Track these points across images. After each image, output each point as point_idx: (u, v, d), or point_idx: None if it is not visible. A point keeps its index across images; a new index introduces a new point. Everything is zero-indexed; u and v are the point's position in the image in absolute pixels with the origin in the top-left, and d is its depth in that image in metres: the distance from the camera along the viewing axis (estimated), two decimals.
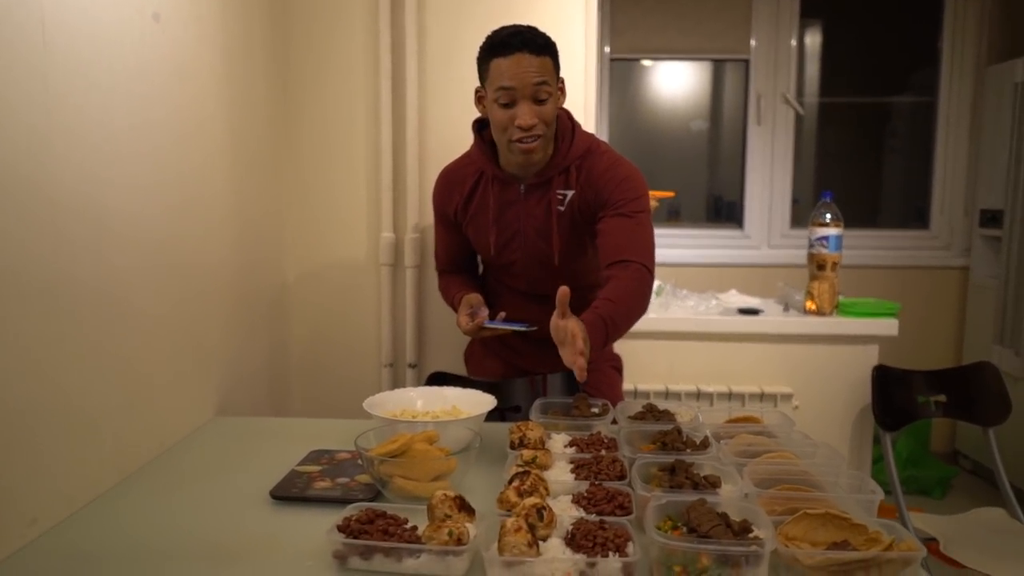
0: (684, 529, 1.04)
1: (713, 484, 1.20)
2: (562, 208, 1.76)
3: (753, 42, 3.96)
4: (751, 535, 1.01)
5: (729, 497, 1.15)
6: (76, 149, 1.26)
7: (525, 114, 1.65)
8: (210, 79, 1.79)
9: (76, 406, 1.26)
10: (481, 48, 1.69)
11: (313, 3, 2.30)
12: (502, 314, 1.78)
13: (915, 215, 4.12)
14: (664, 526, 1.05)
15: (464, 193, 1.85)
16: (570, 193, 1.76)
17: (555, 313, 1.43)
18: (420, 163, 2.32)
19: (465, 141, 1.92)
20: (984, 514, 2.20)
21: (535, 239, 1.80)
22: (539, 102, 1.66)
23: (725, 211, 4.19)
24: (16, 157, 1.11)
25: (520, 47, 1.63)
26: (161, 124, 1.55)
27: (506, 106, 1.66)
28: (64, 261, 1.23)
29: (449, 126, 2.28)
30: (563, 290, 1.41)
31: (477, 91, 1.75)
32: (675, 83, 4.26)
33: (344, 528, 1.07)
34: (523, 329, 1.74)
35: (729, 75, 4.16)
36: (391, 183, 2.32)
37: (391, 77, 2.29)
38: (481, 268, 2.05)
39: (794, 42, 3.93)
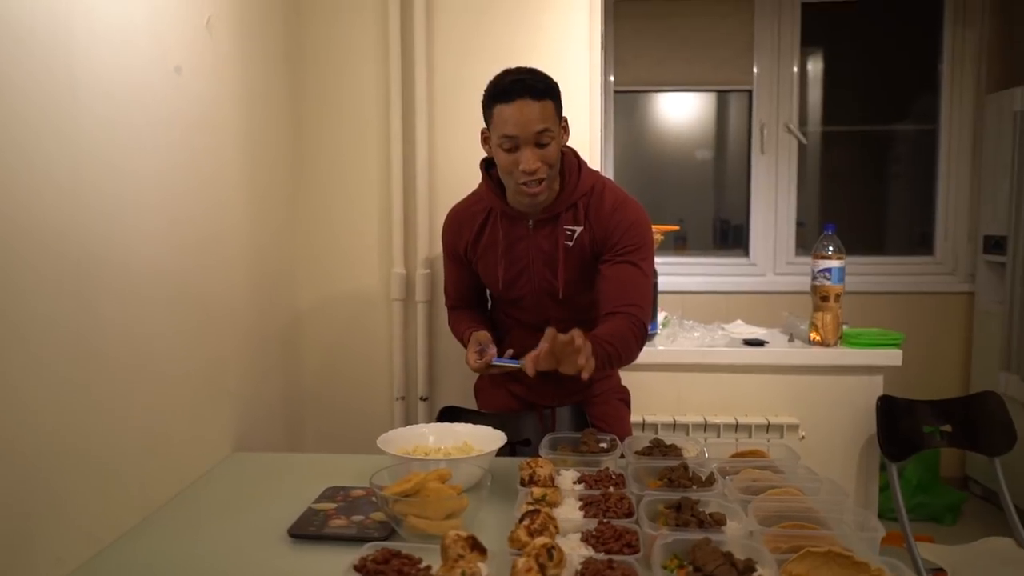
0: (690, 568, 1.07)
1: (718, 522, 1.22)
2: (570, 243, 1.82)
3: (756, 69, 4.02)
4: (755, 574, 1.04)
5: (734, 535, 1.18)
6: (103, 202, 1.31)
7: (528, 159, 1.70)
8: (228, 127, 1.85)
9: (100, 447, 1.31)
10: (485, 93, 1.75)
11: (327, 49, 2.37)
12: (510, 351, 1.82)
13: (920, 240, 4.15)
14: (670, 565, 1.08)
15: (474, 230, 1.91)
16: (578, 229, 1.82)
17: (548, 338, 1.49)
18: (430, 201, 2.38)
19: (473, 180, 1.97)
20: (992, 543, 2.21)
21: (543, 272, 1.85)
22: (541, 146, 1.71)
23: (732, 235, 4.23)
24: (46, 212, 1.17)
25: (521, 94, 1.68)
26: (181, 173, 1.60)
27: (510, 151, 1.72)
28: (92, 307, 1.27)
29: (457, 166, 2.33)
30: (551, 329, 1.50)
31: (483, 132, 1.81)
32: (680, 113, 4.32)
33: (360, 568, 1.09)
34: None
35: (733, 105, 4.22)
36: (402, 221, 2.38)
37: (401, 119, 2.35)
38: (490, 303, 2.09)
39: (796, 68, 3.99)
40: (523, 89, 1.68)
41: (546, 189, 1.76)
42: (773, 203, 4.03)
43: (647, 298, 1.81)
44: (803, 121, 4.08)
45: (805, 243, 4.00)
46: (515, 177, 1.73)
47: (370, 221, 2.42)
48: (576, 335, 1.49)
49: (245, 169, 1.95)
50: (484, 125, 1.81)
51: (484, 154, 1.92)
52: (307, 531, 1.34)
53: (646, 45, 4.06)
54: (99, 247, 1.30)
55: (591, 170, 1.88)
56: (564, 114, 1.79)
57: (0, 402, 1.06)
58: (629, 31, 4.03)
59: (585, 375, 1.50)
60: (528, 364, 1.52)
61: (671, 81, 4.14)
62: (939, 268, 4.03)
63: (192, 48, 1.65)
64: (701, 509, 1.25)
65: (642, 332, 1.77)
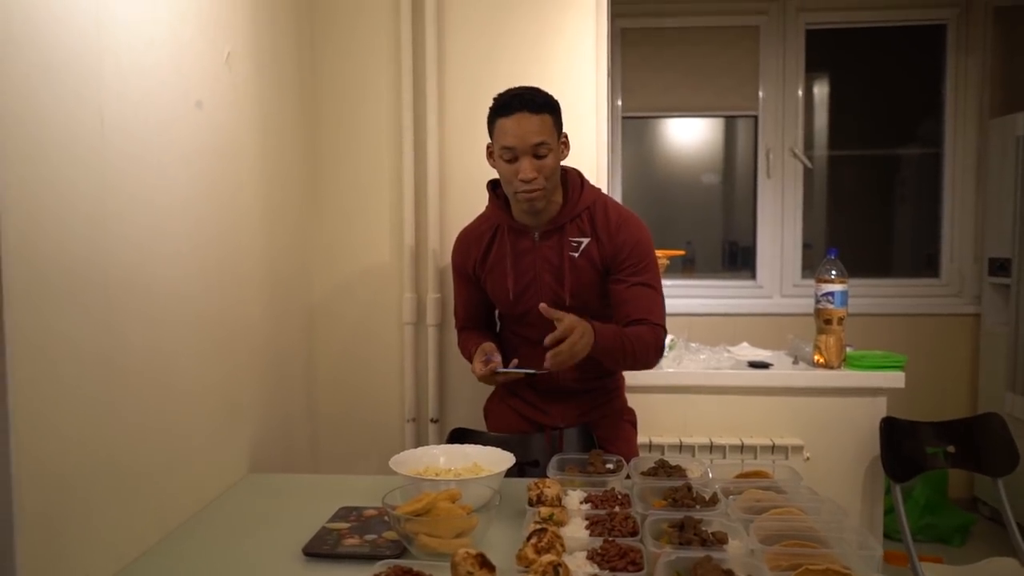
0: None
1: (720, 540, 1.26)
2: (576, 254, 1.89)
3: (761, 95, 4.07)
4: None
5: (735, 554, 1.22)
6: (127, 230, 1.37)
7: (526, 169, 1.80)
8: (246, 156, 1.91)
9: (124, 467, 1.36)
10: (489, 108, 1.86)
11: (340, 77, 2.44)
12: (515, 361, 1.88)
13: (926, 263, 4.18)
14: None
15: (482, 248, 1.98)
16: (585, 241, 1.89)
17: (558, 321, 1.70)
18: (441, 226, 2.44)
19: (480, 205, 2.03)
20: (996, 564, 2.22)
21: (551, 283, 1.91)
22: (539, 157, 1.80)
23: (741, 256, 4.27)
24: (74, 240, 1.23)
25: (520, 107, 1.79)
26: (202, 201, 1.67)
27: (509, 162, 1.81)
28: (116, 330, 1.33)
29: (468, 192, 2.38)
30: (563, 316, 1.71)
31: (488, 147, 1.90)
32: (687, 138, 4.38)
33: None
34: (534, 372, 1.83)
35: (740, 130, 4.28)
36: (413, 245, 2.44)
37: (413, 145, 2.42)
38: (498, 325, 2.14)
39: (801, 94, 4.04)
40: (522, 103, 1.79)
41: (543, 197, 1.84)
42: (779, 227, 4.07)
43: (663, 313, 1.91)
44: (809, 145, 4.13)
45: (812, 265, 4.02)
46: (515, 187, 1.83)
47: (382, 245, 2.48)
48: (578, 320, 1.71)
49: (262, 195, 2.02)
50: (487, 143, 1.90)
51: (490, 179, 1.99)
52: (321, 550, 1.38)
53: (653, 72, 4.13)
54: (124, 273, 1.36)
55: (593, 186, 1.98)
56: (565, 131, 1.89)
57: (29, 421, 1.12)
58: (636, 58, 4.11)
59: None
60: (548, 361, 1.70)
61: (678, 107, 4.21)
62: (945, 290, 4.05)
63: (212, 83, 1.72)
64: (704, 528, 1.29)
65: (660, 342, 1.87)
